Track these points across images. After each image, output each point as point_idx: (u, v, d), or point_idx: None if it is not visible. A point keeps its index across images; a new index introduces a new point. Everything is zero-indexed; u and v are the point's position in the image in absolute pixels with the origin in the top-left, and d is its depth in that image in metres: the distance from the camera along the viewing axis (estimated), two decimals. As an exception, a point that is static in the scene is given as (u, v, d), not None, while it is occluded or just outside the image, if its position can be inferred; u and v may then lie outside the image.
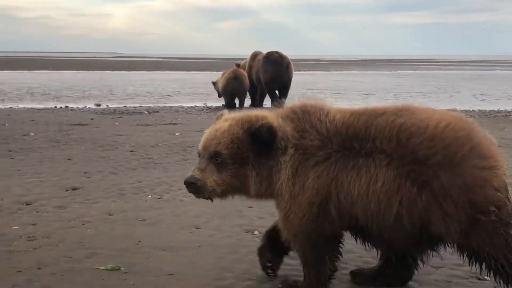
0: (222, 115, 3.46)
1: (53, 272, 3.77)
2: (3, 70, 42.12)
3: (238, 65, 17.92)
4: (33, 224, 4.76)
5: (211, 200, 3.32)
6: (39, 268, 3.81)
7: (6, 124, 11.41)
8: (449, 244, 3.16)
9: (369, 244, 3.42)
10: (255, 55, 17.17)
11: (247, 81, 16.50)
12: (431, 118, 3.06)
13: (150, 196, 5.80)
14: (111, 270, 3.84)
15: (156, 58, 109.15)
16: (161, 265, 3.93)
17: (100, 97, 20.55)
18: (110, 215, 5.14)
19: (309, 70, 49.15)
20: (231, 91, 16.06)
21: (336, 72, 49.05)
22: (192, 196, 3.35)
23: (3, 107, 15.86)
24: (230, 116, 3.37)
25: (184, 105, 17.29)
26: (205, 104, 16.97)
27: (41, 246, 4.24)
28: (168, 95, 21.63)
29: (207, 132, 3.33)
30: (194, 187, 3.18)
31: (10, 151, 8.27)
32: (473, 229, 2.96)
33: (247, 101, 17.08)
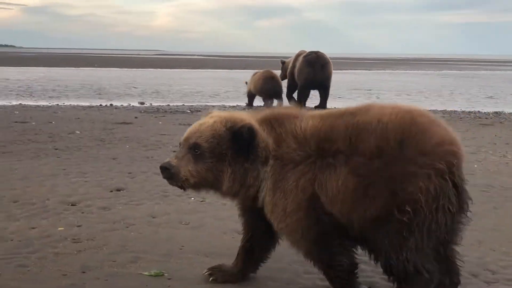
0: (210, 112, 3.56)
1: (97, 276, 3.77)
2: (50, 67, 43.14)
3: (283, 62, 17.84)
4: (78, 226, 4.79)
5: (184, 189, 3.42)
6: (84, 272, 3.81)
7: (53, 122, 11.62)
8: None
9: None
10: (298, 55, 17.13)
11: (281, 81, 16.79)
12: (382, 113, 3.16)
13: (193, 198, 5.77)
14: (155, 276, 3.81)
15: (198, 56, 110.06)
16: (205, 272, 3.88)
17: (144, 95, 20.79)
18: (153, 217, 5.13)
19: (351, 69, 48.67)
20: (269, 91, 16.27)
21: (379, 71, 48.43)
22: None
23: (50, 104, 16.19)
24: (216, 114, 3.47)
25: (226, 104, 17.32)
26: (246, 103, 16.93)
27: (85, 248, 4.25)
28: (210, 94, 21.72)
29: (192, 126, 3.45)
30: (168, 172, 3.30)
31: (56, 149, 8.40)
32: (384, 221, 3.05)
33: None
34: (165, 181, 3.41)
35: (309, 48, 17.72)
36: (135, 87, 24.22)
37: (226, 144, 3.29)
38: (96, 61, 58.80)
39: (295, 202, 3.23)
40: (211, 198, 5.78)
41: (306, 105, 16.87)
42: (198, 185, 3.37)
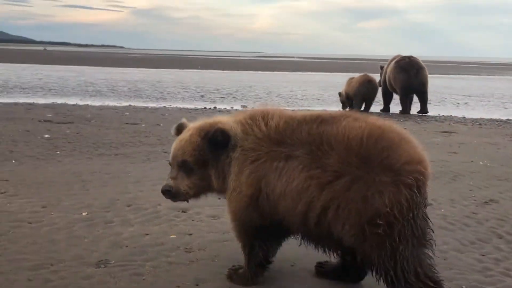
0: (182, 124, 3.91)
1: (211, 290, 3.74)
2: (157, 68, 44.82)
3: (382, 68, 17.50)
4: (189, 234, 4.81)
5: (187, 201, 3.87)
6: (197, 285, 3.79)
7: (161, 124, 11.97)
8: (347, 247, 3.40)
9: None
10: (392, 59, 16.80)
11: (377, 86, 16.67)
12: (351, 127, 3.29)
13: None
14: (268, 294, 3.72)
15: (299, 58, 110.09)
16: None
17: (245, 97, 21.04)
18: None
19: (459, 74, 46.63)
20: (363, 94, 16.35)
21: (488, 76, 46.03)
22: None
23: (158, 106, 16.75)
24: (192, 126, 3.80)
25: (328, 108, 17.11)
26: (347, 109, 16.63)
27: (197, 259, 4.24)
28: (312, 98, 21.58)
29: (174, 143, 3.78)
30: (170, 193, 3.71)
31: (165, 152, 8.59)
32: (362, 236, 3.20)
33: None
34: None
35: (411, 50, 17.31)
36: (236, 90, 24.57)
37: (205, 151, 3.63)
38: (199, 63, 60.43)
39: (243, 193, 3.53)
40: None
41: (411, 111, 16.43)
42: (197, 194, 3.81)
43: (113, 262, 4.09)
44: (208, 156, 3.63)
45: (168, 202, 5.62)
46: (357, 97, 16.34)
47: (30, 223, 4.85)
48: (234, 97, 21.01)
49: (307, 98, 21.48)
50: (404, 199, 3.12)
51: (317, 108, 17.30)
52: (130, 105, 16.91)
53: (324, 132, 3.31)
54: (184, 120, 3.98)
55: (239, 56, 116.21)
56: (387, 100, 17.03)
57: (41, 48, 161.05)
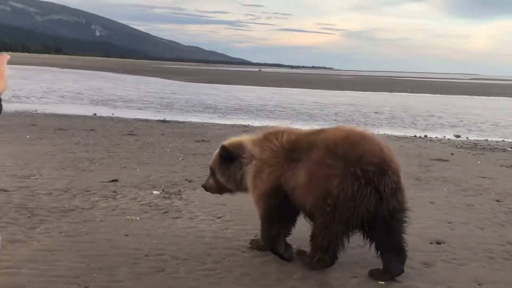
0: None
1: None
2: (365, 91, 44.73)
3: None
4: (399, 282, 4.61)
5: (213, 193, 5.41)
6: None
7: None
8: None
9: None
10: None
11: None
12: (331, 134, 4.51)
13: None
14: None
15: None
16: None
17: (458, 126, 19.92)
18: (478, 284, 4.65)
19: None
20: None
21: None
22: None
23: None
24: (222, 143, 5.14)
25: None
26: None
27: None
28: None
29: None
30: (204, 188, 5.34)
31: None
32: (317, 208, 4.34)
33: None
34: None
35: None
36: (449, 117, 23.41)
37: (219, 161, 5.08)
38: (409, 86, 58.99)
39: (265, 187, 4.70)
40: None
41: None
42: (219, 190, 5.26)
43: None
44: (220, 166, 5.07)
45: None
46: None
47: (243, 252, 5.08)
48: (444, 125, 20.02)
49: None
50: (350, 188, 4.14)
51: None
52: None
53: (316, 139, 4.52)
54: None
55: (451, 78, 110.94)
56: None
57: (256, 69, 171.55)
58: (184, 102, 26.75)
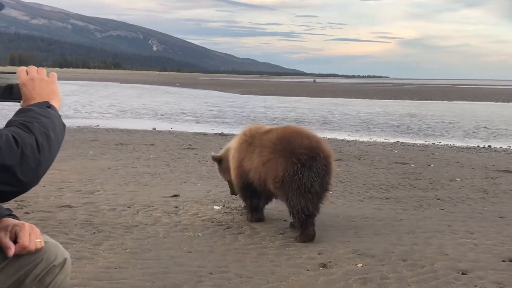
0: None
1: None
2: (422, 100, 43.77)
3: None
4: (472, 303, 4.40)
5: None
6: None
7: (432, 165, 11.50)
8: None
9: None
10: None
11: None
12: (278, 132, 6.02)
13: None
14: None
15: None
16: None
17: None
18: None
19: None
20: None
21: None
22: None
23: (427, 143, 16.20)
24: None
25: None
26: None
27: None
28: None
29: None
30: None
31: (438, 199, 8.17)
32: (274, 187, 5.87)
33: None
34: None
35: None
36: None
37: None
38: (469, 93, 57.38)
39: (233, 165, 6.42)
40: None
41: None
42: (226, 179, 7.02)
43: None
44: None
45: (446, 260, 5.34)
46: None
47: (308, 270, 4.97)
48: (510, 135, 19.28)
49: None
50: (292, 168, 5.57)
51: None
52: (397, 141, 16.72)
53: (267, 136, 6.01)
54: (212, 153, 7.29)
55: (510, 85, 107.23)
56: None
57: (311, 80, 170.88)
58: (239, 114, 26.89)
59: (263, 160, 5.88)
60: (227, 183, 7.16)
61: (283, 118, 25.05)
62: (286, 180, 5.60)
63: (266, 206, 6.74)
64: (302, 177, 5.54)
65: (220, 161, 6.91)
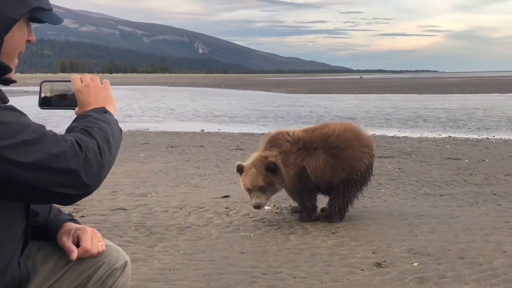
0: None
1: None
2: (473, 93, 42.65)
3: None
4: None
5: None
6: None
7: (486, 160, 11.18)
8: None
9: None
10: None
11: None
12: (328, 129, 6.34)
13: None
14: None
15: None
16: None
17: None
18: None
19: None
20: None
21: None
22: None
23: (480, 138, 15.79)
24: None
25: None
26: None
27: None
28: None
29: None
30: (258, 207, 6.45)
31: (494, 195, 7.91)
32: (340, 182, 6.33)
33: None
34: None
35: None
36: None
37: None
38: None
39: (292, 171, 6.22)
40: None
41: None
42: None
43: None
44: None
45: (505, 258, 5.17)
46: None
47: (362, 270, 4.91)
48: None
49: None
50: (364, 164, 6.30)
51: None
52: (449, 136, 16.34)
53: (325, 132, 6.30)
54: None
55: None
56: None
57: (357, 76, 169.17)
58: (286, 113, 26.85)
59: (334, 156, 6.22)
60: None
61: (335, 116, 24.87)
62: (364, 173, 6.35)
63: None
64: (372, 170, 6.57)
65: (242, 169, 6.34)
